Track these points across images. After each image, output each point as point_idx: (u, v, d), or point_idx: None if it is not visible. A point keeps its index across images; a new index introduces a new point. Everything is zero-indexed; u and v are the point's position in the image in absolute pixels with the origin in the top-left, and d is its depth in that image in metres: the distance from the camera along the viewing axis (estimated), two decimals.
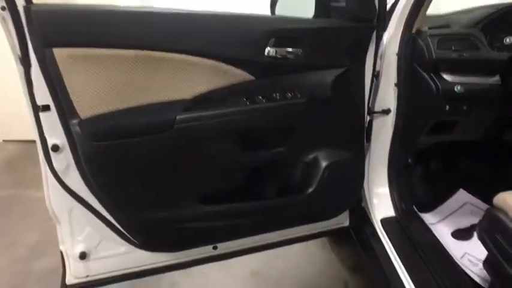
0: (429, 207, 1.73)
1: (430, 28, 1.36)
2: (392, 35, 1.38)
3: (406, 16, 1.34)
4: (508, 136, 1.56)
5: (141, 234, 1.26)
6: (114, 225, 1.26)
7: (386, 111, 1.46)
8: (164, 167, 1.16)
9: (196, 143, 1.14)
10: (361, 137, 1.41)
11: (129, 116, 1.06)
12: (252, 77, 1.16)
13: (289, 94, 1.19)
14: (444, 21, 1.40)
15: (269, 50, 1.15)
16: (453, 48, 1.29)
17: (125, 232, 1.27)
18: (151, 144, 1.10)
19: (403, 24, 1.35)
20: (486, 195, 1.76)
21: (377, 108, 1.46)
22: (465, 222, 1.65)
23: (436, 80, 1.30)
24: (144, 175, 1.15)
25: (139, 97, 1.07)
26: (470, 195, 1.79)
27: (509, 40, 1.29)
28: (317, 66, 1.23)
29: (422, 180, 1.75)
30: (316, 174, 1.31)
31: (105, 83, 1.03)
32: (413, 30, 1.35)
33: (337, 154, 1.33)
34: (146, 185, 1.16)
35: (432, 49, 1.30)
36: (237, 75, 1.14)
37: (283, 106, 1.19)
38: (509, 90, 1.31)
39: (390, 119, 1.47)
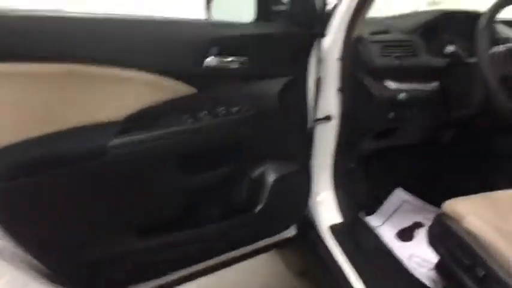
0: (372, 210, 1.74)
1: (371, 34, 1.33)
2: (333, 40, 1.33)
3: (347, 21, 1.29)
4: (444, 138, 1.61)
5: (70, 278, 1.07)
6: (39, 269, 1.05)
7: (328, 118, 1.41)
8: (94, 200, 0.98)
9: (132, 170, 0.98)
10: (307, 147, 1.36)
11: (49, 145, 0.87)
12: (193, 90, 1.03)
13: (235, 108, 1.08)
14: (383, 26, 1.39)
15: (210, 60, 1.03)
16: (394, 55, 1.28)
17: (52, 275, 1.07)
18: (76, 177, 0.92)
19: (344, 29, 1.30)
20: (424, 193, 1.84)
21: (320, 114, 1.41)
22: (406, 222, 1.68)
23: (380, 88, 1.28)
24: (71, 211, 0.97)
25: (60, 121, 0.88)
26: (407, 193, 1.84)
27: (449, 49, 1.31)
28: (263, 75, 1.13)
29: (365, 183, 1.75)
30: (264, 190, 1.23)
31: (15, 105, 0.83)
32: (355, 35, 1.32)
33: (284, 167, 1.26)
34: (74, 222, 0.98)
35: (374, 56, 1.27)
36: (177, 89, 1.01)
37: (229, 122, 1.07)
38: (446, 96, 1.33)
39: (333, 125, 1.43)
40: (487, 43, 1.16)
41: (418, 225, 1.67)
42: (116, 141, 0.93)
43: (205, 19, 1.16)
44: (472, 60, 1.27)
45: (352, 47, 1.31)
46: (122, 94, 0.94)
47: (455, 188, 1.65)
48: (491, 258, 0.99)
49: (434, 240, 1.20)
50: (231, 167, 1.15)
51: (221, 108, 1.07)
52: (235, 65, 1.06)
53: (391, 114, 1.30)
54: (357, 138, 1.45)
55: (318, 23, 1.21)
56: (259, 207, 1.23)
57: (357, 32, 1.32)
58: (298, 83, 1.21)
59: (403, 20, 1.44)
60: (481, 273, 1.00)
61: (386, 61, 1.28)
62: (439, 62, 1.34)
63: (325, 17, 1.24)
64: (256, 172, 1.23)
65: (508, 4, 1.25)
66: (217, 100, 1.07)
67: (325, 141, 1.46)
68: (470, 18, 1.42)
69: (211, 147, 1.09)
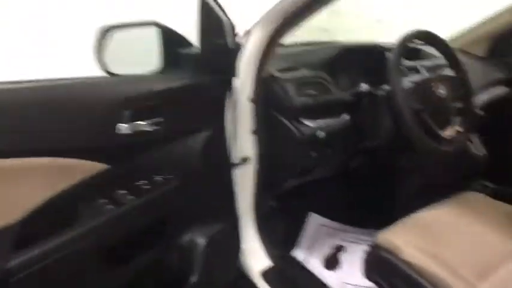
0: (295, 243, 1.71)
1: (279, 71, 1.30)
2: (243, 80, 1.26)
3: (256, 59, 1.23)
4: (359, 166, 1.65)
5: None
6: None
7: (245, 160, 1.33)
8: None
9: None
10: (231, 197, 1.26)
11: None
12: (105, 166, 0.84)
13: (158, 177, 0.93)
14: (291, 62, 1.36)
15: (122, 127, 0.86)
16: (309, 93, 1.26)
17: None
18: None
19: (253, 68, 1.24)
20: (337, 215, 1.88)
21: (237, 158, 1.33)
22: (327, 248, 1.69)
23: (299, 127, 1.25)
24: None
25: None
26: (320, 217, 1.86)
27: (364, 88, 1.34)
28: (182, 134, 1.00)
29: (286, 219, 1.72)
30: (195, 257, 1.10)
31: None
32: (265, 74, 1.26)
33: (211, 227, 1.14)
34: None
35: (291, 95, 1.24)
36: (85, 168, 0.81)
37: (153, 198, 0.91)
38: (357, 128, 1.37)
39: (251, 167, 1.35)
40: (399, 79, 1.22)
41: (339, 249, 1.69)
42: (16, 262, 0.69)
43: (107, 76, 0.97)
44: (380, 92, 1.31)
45: (265, 86, 1.25)
46: (16, 189, 0.71)
47: (370, 212, 1.73)
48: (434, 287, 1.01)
49: (372, 273, 1.20)
50: (160, 244, 0.99)
51: (142, 182, 0.90)
52: (150, 128, 0.91)
53: (313, 153, 1.28)
54: (278, 179, 1.40)
55: (231, 65, 1.12)
56: (193, 278, 1.09)
57: (268, 70, 1.27)
58: (219, 134, 1.11)
59: (308, 56, 1.44)
60: None
61: (303, 100, 1.25)
62: (349, 96, 1.37)
63: (236, 57, 1.16)
64: (184, 240, 1.09)
65: (415, 38, 1.33)
66: (136, 172, 0.90)
67: (245, 185, 1.37)
68: (369, 51, 1.49)
69: (136, 229, 0.91)
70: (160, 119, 0.93)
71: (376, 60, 1.42)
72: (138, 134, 0.88)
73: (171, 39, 1.11)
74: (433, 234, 1.16)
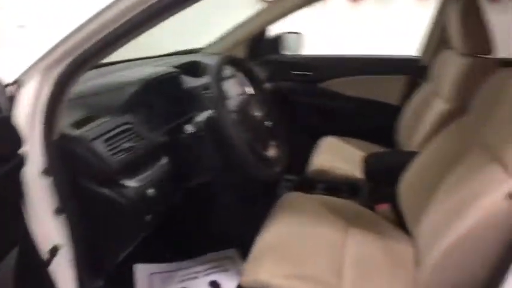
0: None
1: (73, 126, 0.98)
2: (30, 149, 0.91)
3: (38, 116, 0.90)
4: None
5: None
6: None
7: (55, 251, 1.00)
8: None
9: None
10: None
11: None
12: None
13: None
14: (87, 109, 1.05)
15: None
16: (123, 146, 1.01)
17: None
18: None
19: (38, 128, 0.91)
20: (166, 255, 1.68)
21: (44, 249, 0.98)
22: None
23: (121, 192, 1.00)
24: None
25: None
26: (147, 265, 1.64)
27: (190, 129, 1.16)
28: None
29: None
30: None
31: None
32: (57, 134, 0.94)
33: None
34: None
35: (103, 157, 0.96)
36: None
37: None
38: (180, 166, 1.21)
39: (66, 257, 1.03)
40: (226, 110, 1.11)
41: None
42: None
43: None
44: (191, 130, 1.20)
45: (62, 150, 0.94)
46: None
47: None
48: None
49: None
50: None
51: None
52: None
53: (147, 217, 1.05)
54: (107, 258, 1.11)
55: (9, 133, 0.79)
56: None
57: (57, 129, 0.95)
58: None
59: (105, 98, 1.15)
60: None
61: (121, 159, 1.00)
62: (163, 136, 1.18)
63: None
64: None
65: (225, 64, 1.25)
66: None
67: (64, 277, 1.04)
68: (166, 80, 1.32)
69: None
70: None
71: (176, 88, 1.29)
72: None
73: None
74: (285, 255, 1.17)
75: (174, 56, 1.92)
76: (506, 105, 1.00)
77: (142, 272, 1.61)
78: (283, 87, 2.29)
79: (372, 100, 2.29)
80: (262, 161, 1.17)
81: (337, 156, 1.94)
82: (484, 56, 1.54)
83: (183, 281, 1.58)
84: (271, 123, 1.34)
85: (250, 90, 1.38)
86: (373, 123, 2.26)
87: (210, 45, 2.35)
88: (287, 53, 2.48)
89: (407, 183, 1.34)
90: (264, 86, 1.42)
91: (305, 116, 2.25)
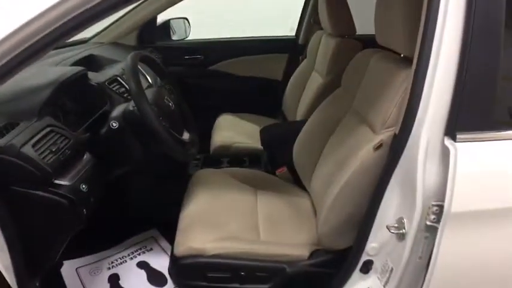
0: None
1: None
2: None
3: None
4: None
5: None
6: None
7: None
8: None
9: None
10: None
11: None
12: None
13: None
14: (2, 116, 1.04)
15: None
16: (50, 149, 1.05)
17: None
18: None
19: None
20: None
21: None
22: (102, 285, 1.58)
23: (57, 191, 1.05)
24: None
25: None
26: (73, 260, 1.67)
27: (115, 125, 1.22)
28: None
29: None
30: None
31: None
32: None
33: None
34: None
35: (37, 162, 1.01)
36: None
37: None
38: (103, 160, 1.28)
39: (1, 260, 1.06)
40: (148, 104, 1.20)
41: (114, 278, 1.61)
42: None
43: None
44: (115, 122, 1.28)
45: None
46: None
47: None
48: (246, 260, 1.22)
49: (183, 281, 1.27)
50: None
51: None
52: None
53: (84, 211, 1.12)
54: (48, 256, 1.15)
55: None
56: None
57: None
58: None
59: (18, 104, 1.12)
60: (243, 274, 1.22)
61: (53, 162, 1.05)
62: (83, 134, 1.23)
63: None
64: None
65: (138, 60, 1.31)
66: None
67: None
68: (76, 80, 1.34)
69: None
70: None
71: (85, 86, 1.33)
72: None
73: None
74: (209, 223, 1.35)
75: (66, 48, 1.88)
76: (368, 79, 1.30)
77: (67, 269, 1.64)
78: (175, 72, 2.39)
79: (258, 77, 2.54)
80: (181, 146, 1.30)
81: (235, 131, 2.16)
82: (349, 36, 1.87)
83: (112, 267, 1.66)
84: (180, 110, 1.47)
85: (158, 82, 1.49)
86: (262, 98, 2.52)
87: (98, 35, 2.32)
88: (176, 38, 2.58)
89: (299, 148, 1.61)
90: (170, 77, 1.54)
91: (199, 98, 2.40)
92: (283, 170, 1.72)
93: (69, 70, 1.35)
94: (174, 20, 2.58)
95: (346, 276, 1.14)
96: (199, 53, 2.52)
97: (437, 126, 0.91)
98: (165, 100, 1.35)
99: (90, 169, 1.20)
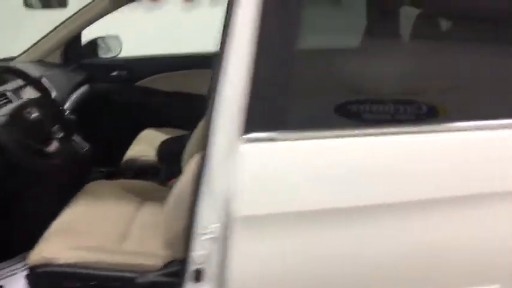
0: None
1: None
2: None
3: None
4: None
5: None
6: None
7: None
8: None
9: None
10: None
11: None
12: None
13: None
14: None
15: None
16: None
17: None
18: None
19: None
20: None
21: None
22: None
23: None
24: None
25: None
26: None
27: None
28: None
29: None
30: None
31: None
32: None
33: None
34: None
35: None
36: None
37: None
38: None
39: None
40: None
41: None
42: None
43: None
44: None
45: None
46: None
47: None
48: (99, 270, 1.24)
49: None
50: None
51: None
52: None
53: None
54: None
55: None
56: None
57: None
58: None
59: None
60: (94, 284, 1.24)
61: None
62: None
63: None
64: None
65: None
66: None
67: None
68: None
69: None
70: None
71: None
72: None
73: None
74: (72, 232, 1.38)
75: None
76: None
77: None
78: (101, 89, 2.44)
79: (184, 93, 2.59)
80: (40, 155, 1.35)
81: (149, 145, 2.19)
82: None
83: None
84: (55, 118, 1.51)
85: (32, 94, 1.54)
86: (188, 113, 2.56)
87: (24, 54, 2.37)
88: (106, 56, 2.64)
89: (186, 158, 1.64)
90: (48, 91, 1.58)
91: (125, 114, 2.44)
92: (174, 181, 1.75)
93: None
94: (106, 37, 2.65)
95: (182, 286, 1.16)
96: (126, 70, 2.58)
97: (230, 127, 0.94)
98: (30, 112, 1.40)
99: None
